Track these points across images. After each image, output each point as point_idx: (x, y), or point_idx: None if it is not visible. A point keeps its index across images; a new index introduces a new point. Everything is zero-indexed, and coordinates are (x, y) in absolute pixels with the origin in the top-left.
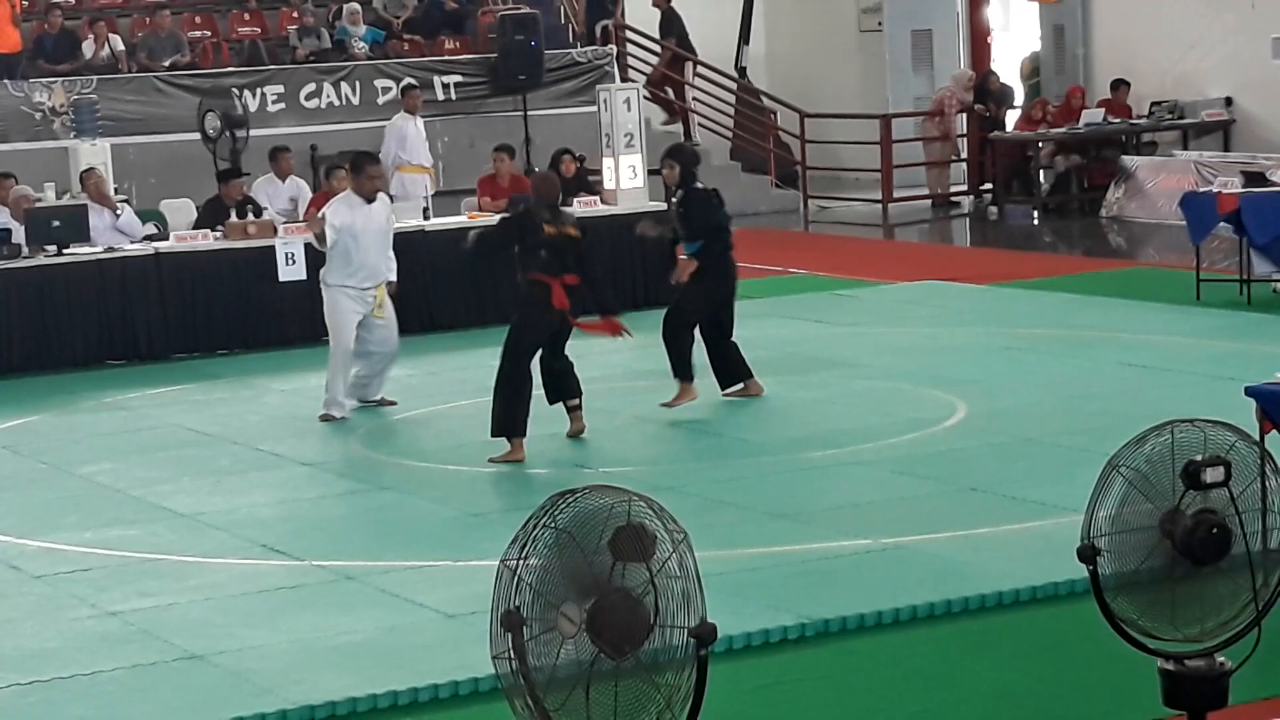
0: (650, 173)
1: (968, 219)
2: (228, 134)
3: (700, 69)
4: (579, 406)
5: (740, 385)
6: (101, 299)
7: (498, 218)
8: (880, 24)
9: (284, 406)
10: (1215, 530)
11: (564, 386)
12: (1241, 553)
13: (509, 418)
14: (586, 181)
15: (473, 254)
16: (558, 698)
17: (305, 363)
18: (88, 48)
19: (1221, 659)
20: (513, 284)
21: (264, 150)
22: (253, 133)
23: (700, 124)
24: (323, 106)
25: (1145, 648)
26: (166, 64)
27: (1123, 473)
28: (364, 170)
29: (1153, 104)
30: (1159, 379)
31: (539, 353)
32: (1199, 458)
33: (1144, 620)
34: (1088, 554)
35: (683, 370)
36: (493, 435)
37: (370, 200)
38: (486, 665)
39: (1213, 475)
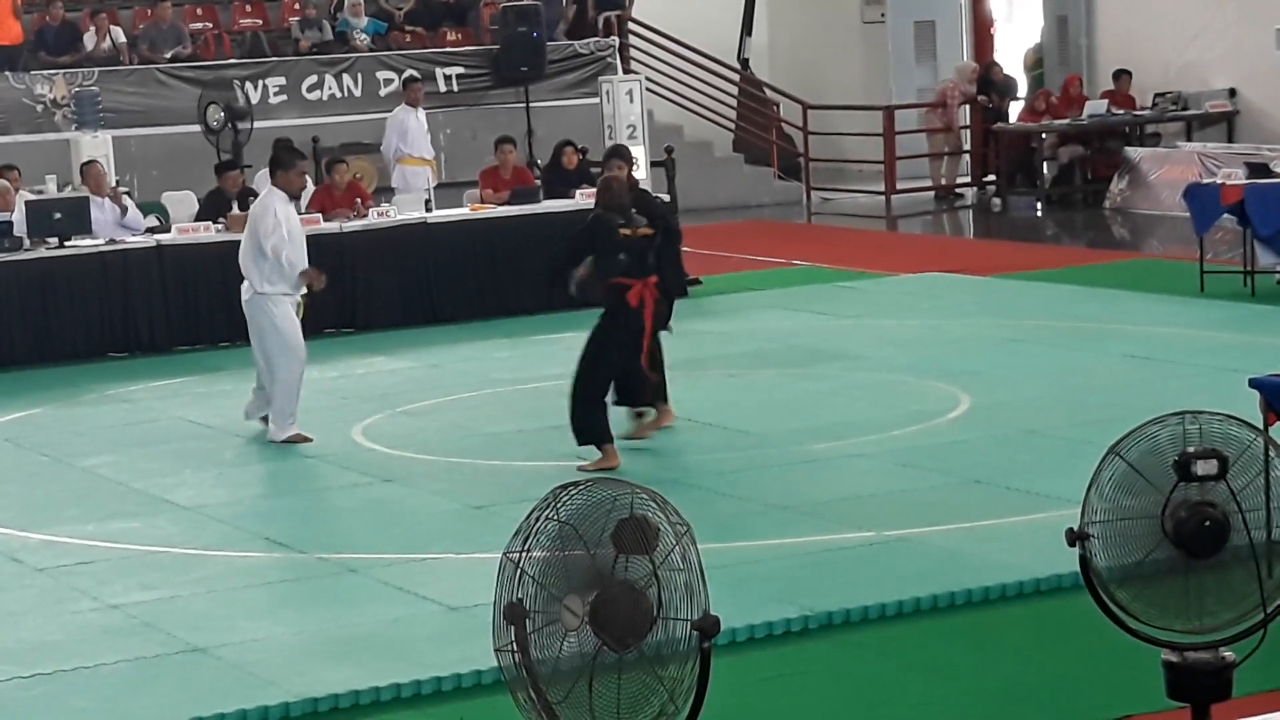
0: (653, 164)
1: (971, 210)
2: (230, 126)
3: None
4: (641, 415)
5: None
6: (103, 291)
7: (577, 230)
8: (883, 15)
9: None
10: (1208, 523)
11: (635, 390)
12: (1243, 546)
13: (595, 426)
14: (588, 173)
15: (550, 275)
16: (560, 690)
17: (307, 355)
18: (89, 39)
19: (1226, 652)
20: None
21: (266, 142)
22: (254, 125)
23: (694, 110)
24: (324, 98)
25: (1138, 634)
26: (168, 56)
27: (1123, 460)
28: (294, 165)
29: (1156, 95)
30: (1162, 371)
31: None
32: (1192, 449)
33: (1135, 606)
34: (1074, 537)
35: (659, 393)
36: (580, 444)
37: (295, 198)
38: (489, 658)
39: (1204, 468)
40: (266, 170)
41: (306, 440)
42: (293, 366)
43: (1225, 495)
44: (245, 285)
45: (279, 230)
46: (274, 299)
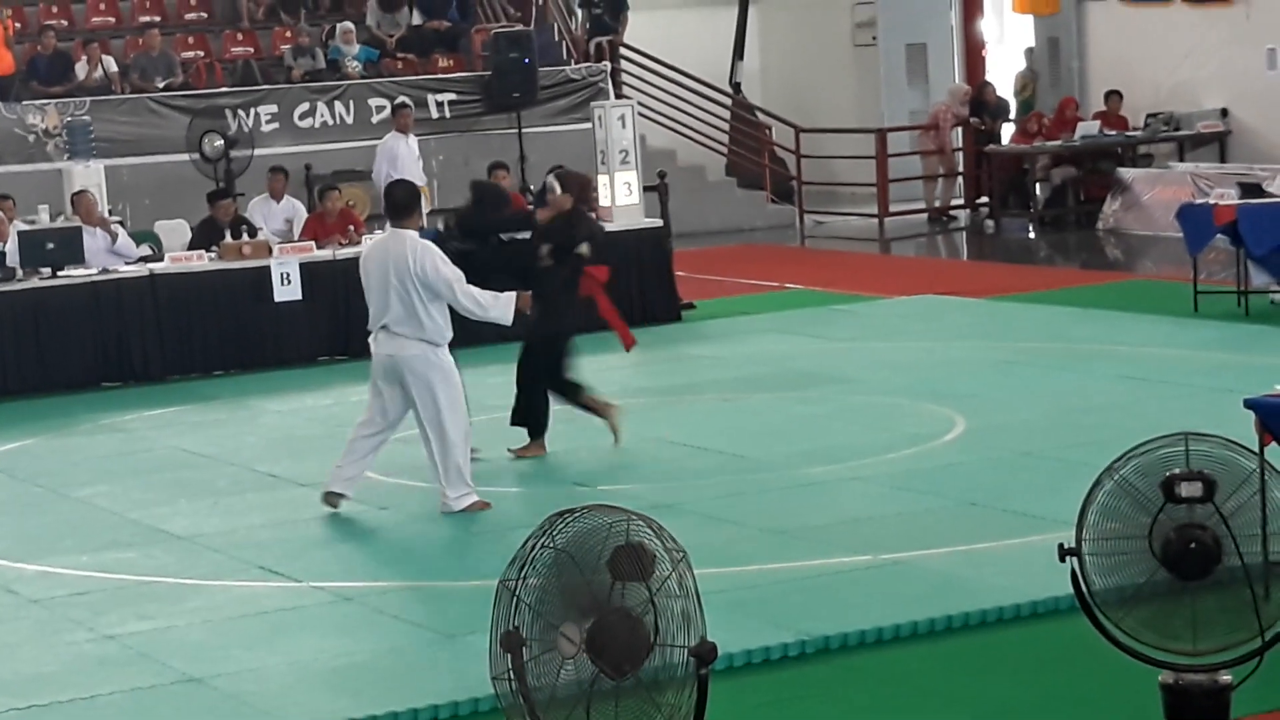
0: (646, 189)
1: (964, 233)
2: (226, 155)
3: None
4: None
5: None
6: (96, 321)
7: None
8: (874, 38)
9: (280, 427)
10: (1194, 545)
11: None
12: (1236, 568)
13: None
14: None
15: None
16: (558, 718)
17: (301, 383)
18: (81, 69)
19: (1224, 674)
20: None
21: (260, 170)
22: (243, 153)
23: (686, 135)
24: (317, 126)
25: (1133, 653)
26: (161, 85)
27: (1114, 482)
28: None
29: (1148, 116)
30: (1157, 392)
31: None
32: (1177, 471)
33: (1129, 626)
34: (1065, 551)
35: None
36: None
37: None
38: (486, 686)
39: (1189, 490)
40: (260, 198)
41: (486, 506)
42: (463, 422)
43: (1214, 517)
44: (396, 342)
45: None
46: (443, 350)
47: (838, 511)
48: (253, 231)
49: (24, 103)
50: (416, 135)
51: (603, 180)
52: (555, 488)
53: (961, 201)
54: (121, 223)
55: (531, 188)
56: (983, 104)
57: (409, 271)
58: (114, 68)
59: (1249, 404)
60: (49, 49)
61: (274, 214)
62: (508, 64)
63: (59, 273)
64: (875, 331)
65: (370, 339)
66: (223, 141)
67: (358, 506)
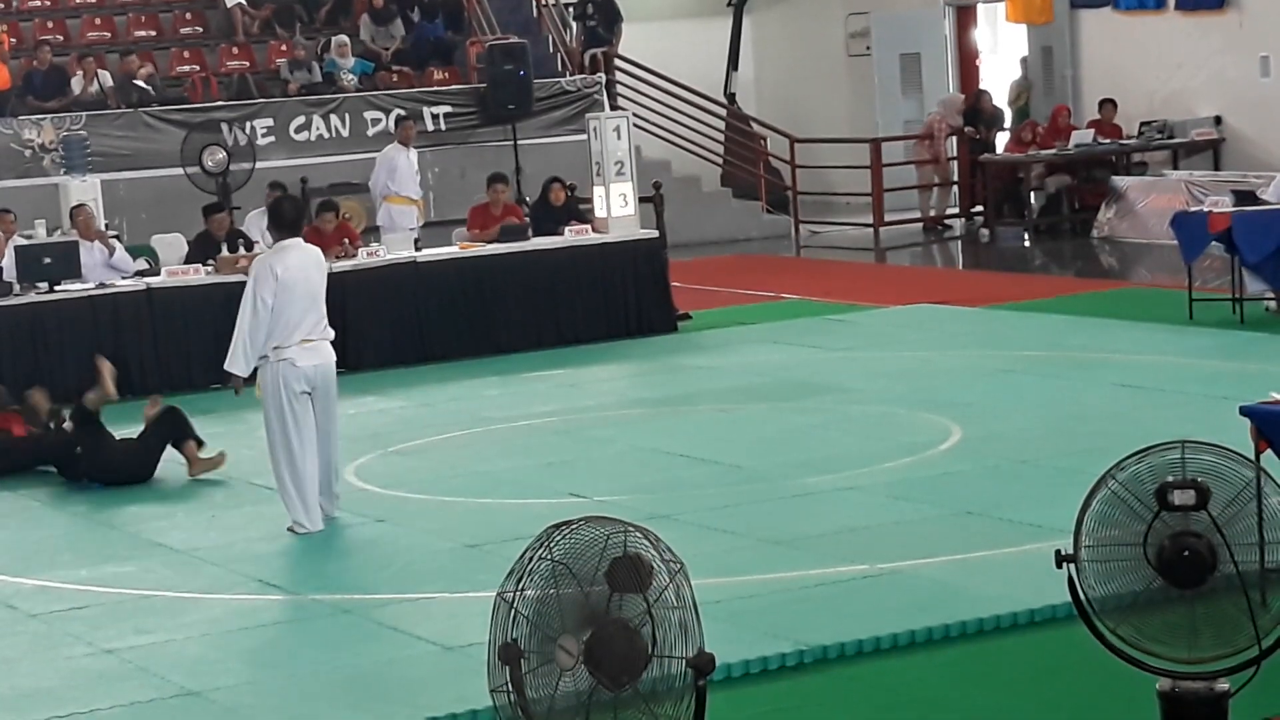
0: (641, 200)
1: (959, 242)
2: (227, 168)
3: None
4: None
5: None
6: (93, 335)
7: None
8: (868, 48)
9: None
10: (1187, 553)
11: None
12: (1231, 575)
13: None
14: (577, 210)
15: None
16: None
17: None
18: (76, 84)
19: (1222, 682)
20: None
21: (257, 184)
22: (243, 166)
23: (681, 146)
24: (312, 139)
25: (1129, 659)
26: (156, 100)
27: (1110, 489)
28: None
29: (1142, 124)
30: (1153, 399)
31: None
32: (1172, 479)
33: (1126, 633)
34: (1062, 558)
35: None
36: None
37: None
38: (485, 698)
39: (1182, 498)
40: (257, 212)
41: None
42: None
43: (1208, 525)
44: (319, 350)
45: None
46: None
47: (834, 521)
48: (249, 245)
49: (20, 118)
50: (413, 147)
51: (598, 191)
52: (552, 499)
53: (956, 210)
54: (118, 237)
55: (528, 199)
56: (977, 113)
57: (325, 277)
58: (110, 82)
59: (1244, 411)
60: (44, 63)
61: None
62: (503, 76)
63: (56, 287)
64: (871, 341)
65: (281, 354)
66: (224, 154)
67: (354, 518)
